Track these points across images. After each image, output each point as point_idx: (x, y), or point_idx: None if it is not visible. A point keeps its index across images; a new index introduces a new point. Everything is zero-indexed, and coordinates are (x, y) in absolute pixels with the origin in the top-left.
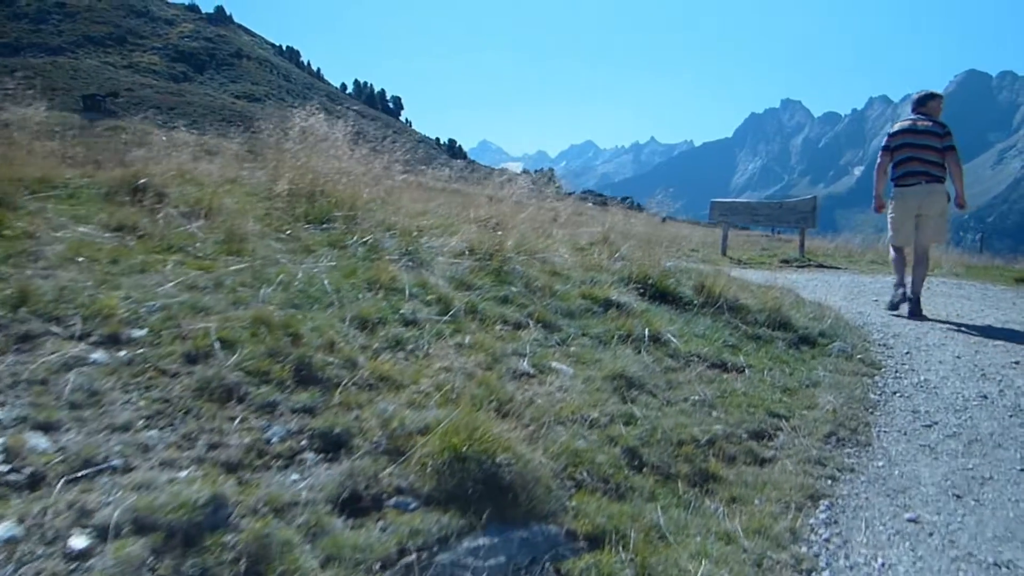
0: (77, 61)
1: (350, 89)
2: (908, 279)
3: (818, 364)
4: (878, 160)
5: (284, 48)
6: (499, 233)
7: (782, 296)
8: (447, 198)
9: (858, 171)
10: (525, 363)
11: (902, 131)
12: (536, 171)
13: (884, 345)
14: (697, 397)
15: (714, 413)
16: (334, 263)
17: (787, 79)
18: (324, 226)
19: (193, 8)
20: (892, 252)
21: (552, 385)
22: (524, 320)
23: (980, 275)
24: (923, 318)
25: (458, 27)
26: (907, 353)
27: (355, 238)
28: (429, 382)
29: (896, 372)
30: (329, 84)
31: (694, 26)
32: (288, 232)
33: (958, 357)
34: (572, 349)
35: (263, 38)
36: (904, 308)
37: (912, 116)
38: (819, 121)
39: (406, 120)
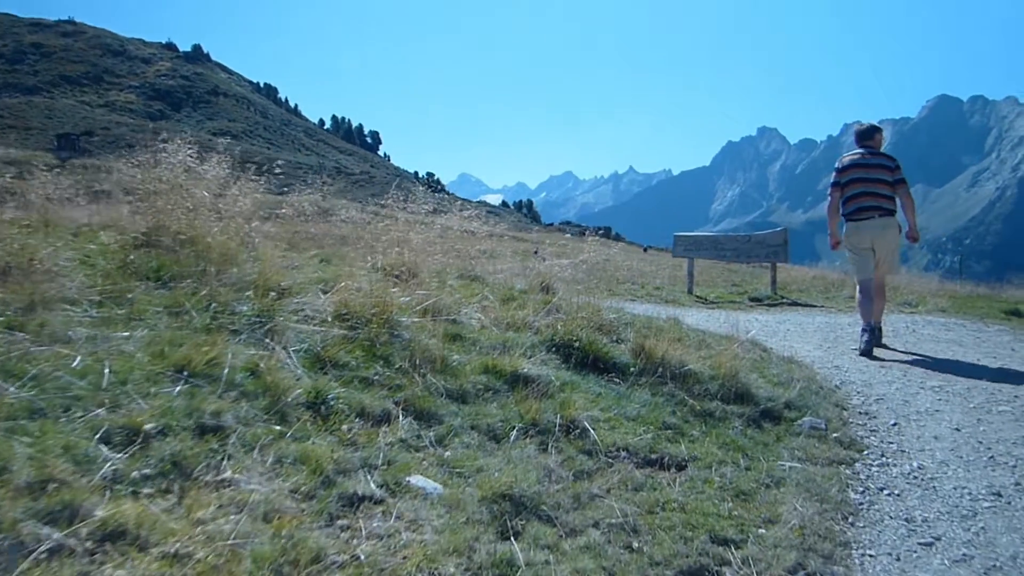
0: (53, 100)
1: (328, 125)
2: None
3: (783, 449)
4: (829, 197)
5: (261, 85)
6: (395, 290)
7: (743, 355)
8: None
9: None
10: (371, 482)
11: (852, 165)
12: (515, 203)
13: (866, 414)
14: (614, 519)
15: (635, 545)
16: (148, 338)
17: (763, 108)
18: (172, 284)
19: (170, 46)
20: (859, 293)
21: (401, 519)
22: (393, 410)
23: (967, 308)
24: (883, 346)
25: (437, 62)
26: (894, 425)
27: (194, 301)
28: (193, 534)
29: (882, 455)
30: (307, 120)
31: (670, 57)
32: (119, 294)
33: (957, 429)
34: (449, 453)
35: (241, 75)
36: (865, 339)
37: (859, 150)
38: (795, 148)
39: (384, 154)
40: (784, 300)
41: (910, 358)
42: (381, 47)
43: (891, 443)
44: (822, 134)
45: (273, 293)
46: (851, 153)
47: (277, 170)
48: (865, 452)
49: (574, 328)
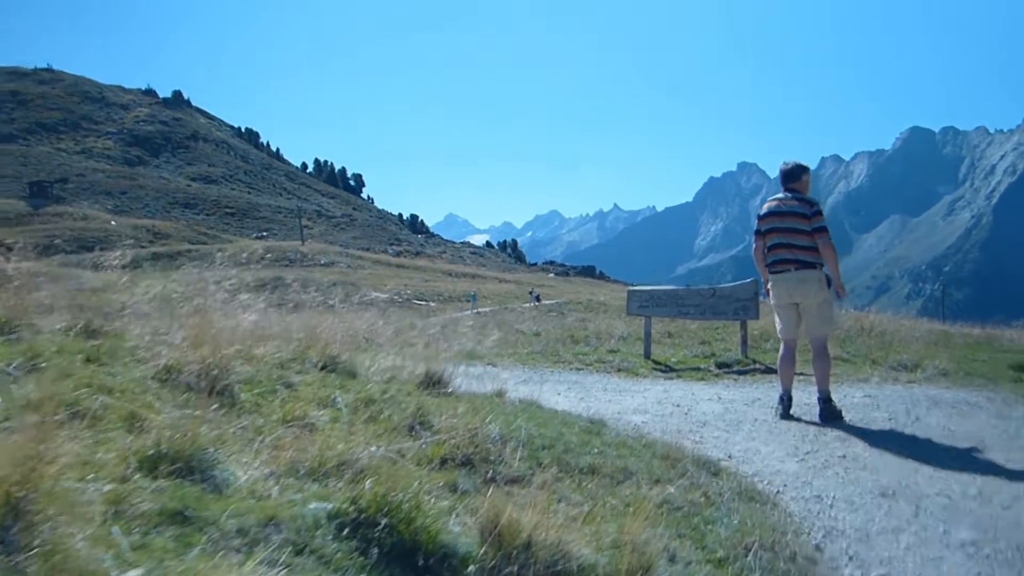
0: (29, 148)
1: (311, 168)
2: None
3: None
4: (753, 246)
5: (243, 130)
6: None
7: (679, 496)
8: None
9: None
10: None
11: (769, 213)
12: (499, 243)
13: None
14: None
15: None
16: None
17: (743, 143)
18: None
19: (150, 93)
20: (781, 349)
21: None
22: None
23: (972, 365)
24: (839, 418)
25: (423, 106)
26: None
27: None
28: None
29: None
30: (289, 164)
31: (651, 93)
32: None
33: None
34: None
35: (221, 120)
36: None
37: (780, 195)
38: (776, 182)
39: (368, 197)
40: (757, 366)
41: (920, 474)
42: (366, 91)
43: None
44: None
45: None
46: (772, 198)
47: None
48: None
49: (400, 484)
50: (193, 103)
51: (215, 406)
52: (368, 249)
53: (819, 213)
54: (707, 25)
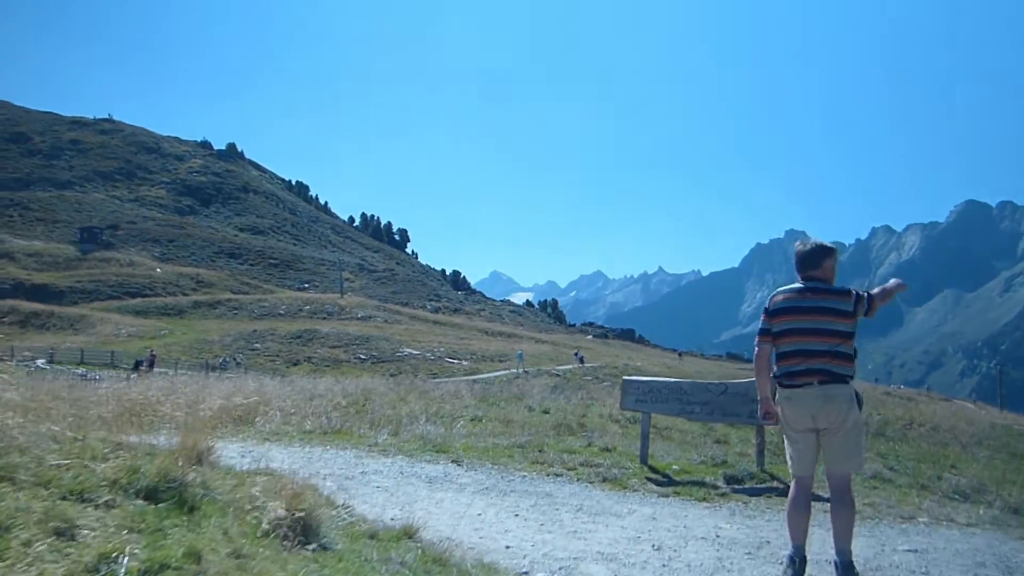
0: (84, 194)
1: (357, 222)
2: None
3: None
4: (756, 348)
5: (293, 183)
6: None
7: None
8: None
9: None
10: None
11: (787, 310)
12: (540, 303)
13: None
14: None
15: None
16: None
17: (791, 210)
18: None
19: (205, 144)
20: (792, 489)
21: None
22: None
23: None
24: None
25: (472, 160)
26: None
27: None
28: None
29: None
30: (336, 217)
31: (699, 158)
32: None
33: None
34: None
35: (273, 173)
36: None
37: (798, 285)
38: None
39: (412, 252)
40: (774, 484)
41: None
42: (417, 146)
43: None
44: (850, 237)
45: None
46: (785, 290)
47: None
48: None
49: None
50: (246, 155)
51: None
52: (406, 304)
53: (859, 311)
54: (758, 92)
